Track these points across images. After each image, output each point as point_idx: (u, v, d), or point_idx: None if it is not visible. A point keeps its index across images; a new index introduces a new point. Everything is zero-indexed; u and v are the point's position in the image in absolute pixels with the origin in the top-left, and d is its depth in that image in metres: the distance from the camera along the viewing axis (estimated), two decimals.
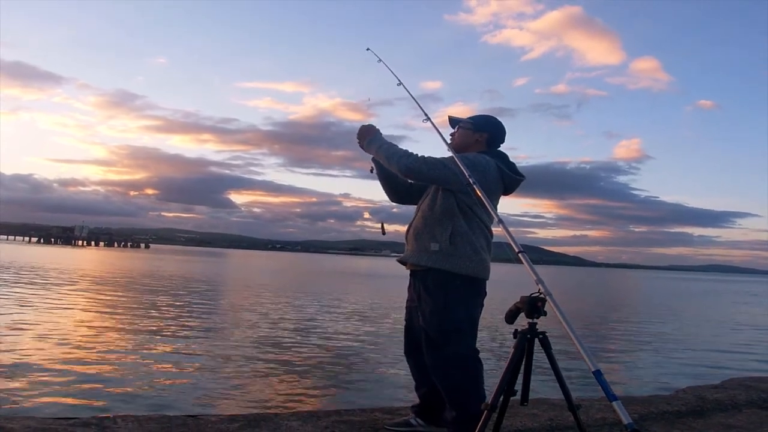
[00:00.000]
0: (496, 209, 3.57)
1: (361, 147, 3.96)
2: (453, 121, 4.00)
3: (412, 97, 4.09)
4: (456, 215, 3.61)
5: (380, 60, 4.36)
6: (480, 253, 3.61)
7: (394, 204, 4.26)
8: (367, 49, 4.46)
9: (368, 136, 3.89)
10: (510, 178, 3.73)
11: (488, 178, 3.57)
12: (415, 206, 4.03)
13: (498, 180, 3.67)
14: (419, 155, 3.60)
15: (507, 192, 3.80)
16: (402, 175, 3.67)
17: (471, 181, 3.32)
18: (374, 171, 4.12)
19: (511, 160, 3.82)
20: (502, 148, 3.93)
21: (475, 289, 3.64)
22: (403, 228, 3.96)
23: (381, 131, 3.92)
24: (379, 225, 4.44)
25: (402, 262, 3.88)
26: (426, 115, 3.97)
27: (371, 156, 4.02)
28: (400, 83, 4.21)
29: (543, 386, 4.86)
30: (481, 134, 3.86)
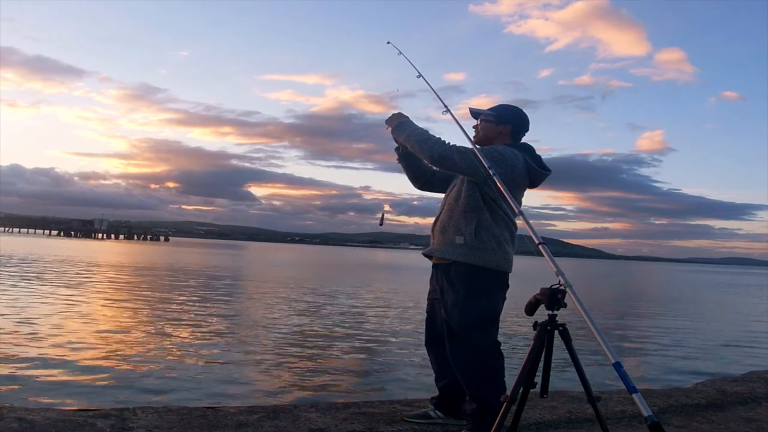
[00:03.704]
0: (520, 203, 3.55)
1: (391, 131, 3.93)
2: (474, 113, 3.97)
3: (432, 89, 4.07)
4: (481, 208, 3.59)
5: (400, 53, 4.34)
6: (504, 246, 3.59)
7: (415, 198, 4.27)
8: (388, 43, 4.44)
9: (398, 120, 3.86)
10: (536, 172, 3.70)
11: (516, 172, 3.55)
12: (434, 197, 4.02)
13: (524, 174, 3.64)
14: (452, 144, 3.59)
15: (532, 186, 3.76)
16: (432, 162, 3.64)
17: (491, 173, 3.30)
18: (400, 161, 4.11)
19: (538, 153, 3.80)
20: (525, 139, 3.91)
21: (498, 281, 3.63)
22: (422, 221, 3.94)
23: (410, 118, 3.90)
24: (380, 215, 4.44)
25: (427, 255, 3.87)
26: (445, 106, 3.95)
27: (395, 146, 4.01)
28: (420, 75, 4.18)
29: (562, 378, 4.84)
30: (504, 126, 3.83)
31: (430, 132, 3.69)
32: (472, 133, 3.88)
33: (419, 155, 3.72)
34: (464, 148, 3.58)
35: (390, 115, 3.93)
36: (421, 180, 4.14)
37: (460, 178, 3.75)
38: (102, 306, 14.85)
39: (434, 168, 3.95)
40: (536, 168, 3.69)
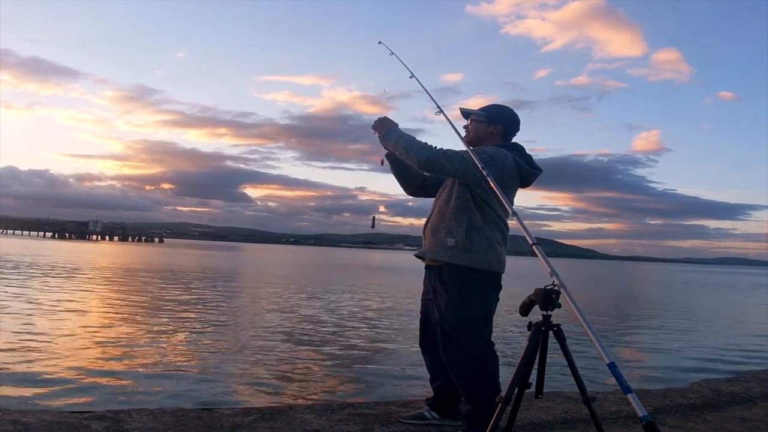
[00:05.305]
0: (512, 203, 3.55)
1: (379, 138, 3.93)
2: (465, 113, 3.98)
3: (425, 90, 4.07)
4: (472, 210, 3.60)
5: (392, 53, 4.35)
6: (495, 247, 3.60)
7: (410, 198, 4.26)
8: (379, 43, 4.45)
9: (385, 128, 3.87)
10: (527, 172, 3.71)
11: (506, 173, 3.55)
12: (428, 199, 4.03)
13: (515, 174, 3.65)
14: (438, 148, 3.59)
15: (524, 185, 3.78)
16: (420, 167, 3.65)
17: (485, 174, 3.31)
18: (385, 164, 4.11)
19: (529, 152, 3.80)
20: (519, 139, 3.92)
21: (490, 282, 3.64)
22: (417, 222, 3.95)
23: (399, 124, 3.90)
24: (371, 218, 4.44)
25: (420, 256, 3.88)
26: (438, 107, 3.96)
27: (384, 149, 4.01)
28: (413, 76, 4.19)
29: (557, 379, 4.85)
30: (495, 126, 3.84)
31: (425, 132, 3.70)
32: (463, 134, 3.89)
33: (407, 161, 3.73)
34: (452, 151, 3.59)
35: (377, 120, 3.94)
36: (412, 185, 4.14)
37: (450, 179, 3.76)
38: (96, 308, 14.82)
39: (425, 173, 3.96)
40: (527, 168, 3.70)
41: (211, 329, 11.98)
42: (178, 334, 11.20)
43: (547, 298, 2.77)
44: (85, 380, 7.34)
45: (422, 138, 3.73)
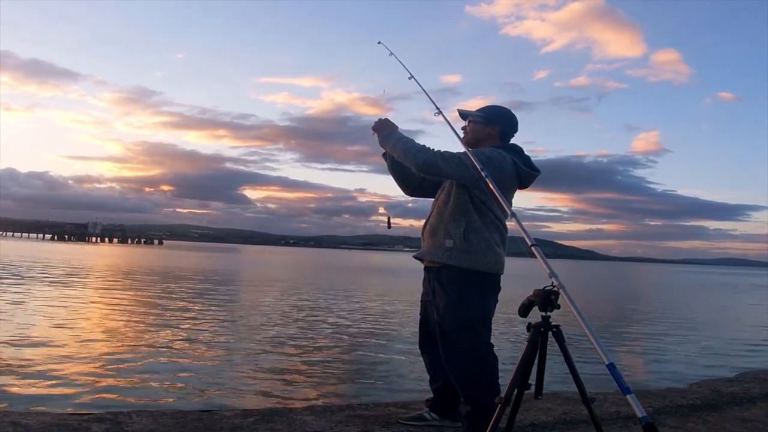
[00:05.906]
0: (511, 204, 3.56)
1: (378, 140, 3.95)
2: (463, 114, 3.98)
3: (424, 91, 4.08)
4: (470, 211, 3.61)
5: (391, 53, 4.35)
6: (494, 248, 3.61)
7: (410, 199, 4.27)
8: (379, 43, 4.46)
9: (384, 131, 3.88)
10: (525, 173, 3.71)
11: (504, 174, 3.56)
12: (427, 200, 4.04)
13: (513, 175, 3.65)
14: (436, 150, 3.60)
15: (522, 186, 3.79)
16: (418, 169, 3.65)
17: (483, 175, 3.32)
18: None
19: (528, 154, 3.81)
20: (518, 140, 3.92)
21: (489, 283, 3.65)
22: (417, 223, 3.95)
23: (398, 126, 3.91)
24: (386, 218, 4.44)
25: (419, 258, 3.89)
26: (437, 108, 3.96)
27: (383, 150, 4.01)
28: (412, 77, 4.20)
29: (557, 380, 4.85)
30: (492, 127, 3.84)
31: (425, 134, 3.71)
32: (461, 135, 3.90)
33: (405, 163, 3.74)
34: (449, 153, 3.60)
35: (377, 121, 3.94)
36: (411, 186, 4.15)
37: (448, 181, 3.76)
38: (95, 310, 14.81)
39: (421, 175, 3.97)
40: (525, 169, 3.70)
41: (210, 331, 11.97)
42: (177, 336, 11.19)
43: (546, 299, 2.78)
44: (85, 382, 7.33)
45: (421, 140, 3.74)
